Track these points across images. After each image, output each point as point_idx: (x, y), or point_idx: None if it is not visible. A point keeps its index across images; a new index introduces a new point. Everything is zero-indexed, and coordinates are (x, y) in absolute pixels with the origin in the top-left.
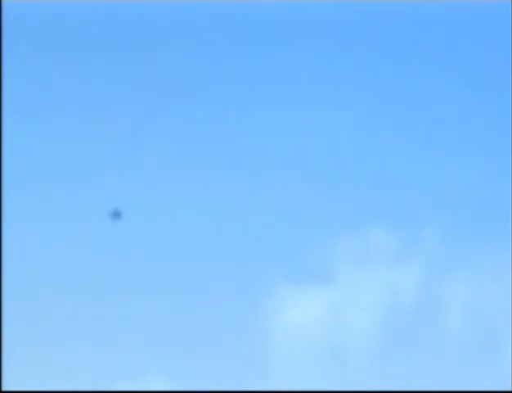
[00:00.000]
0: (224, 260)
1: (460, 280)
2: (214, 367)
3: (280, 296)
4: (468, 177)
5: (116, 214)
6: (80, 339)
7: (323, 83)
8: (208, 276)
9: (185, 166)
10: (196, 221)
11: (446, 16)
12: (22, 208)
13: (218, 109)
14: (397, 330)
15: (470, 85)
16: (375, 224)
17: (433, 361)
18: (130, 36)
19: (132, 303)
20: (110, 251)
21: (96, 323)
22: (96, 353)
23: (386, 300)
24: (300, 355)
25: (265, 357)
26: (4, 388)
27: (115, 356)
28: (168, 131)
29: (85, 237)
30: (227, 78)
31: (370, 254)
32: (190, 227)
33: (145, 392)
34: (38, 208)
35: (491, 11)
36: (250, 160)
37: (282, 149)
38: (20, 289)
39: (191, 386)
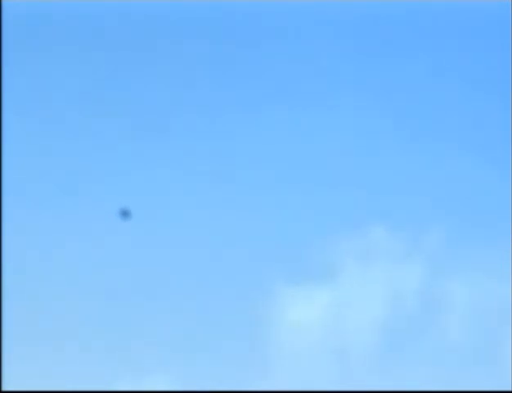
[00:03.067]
0: (225, 260)
1: (461, 280)
2: (215, 367)
3: (281, 296)
4: (469, 177)
5: (125, 214)
6: (80, 339)
7: (324, 83)
8: (209, 276)
9: (185, 166)
10: (197, 221)
11: (447, 16)
12: (23, 207)
13: (219, 109)
14: (398, 330)
15: (471, 85)
16: (377, 224)
17: (434, 361)
18: (131, 35)
19: (133, 303)
20: (110, 251)
21: (96, 323)
22: (97, 353)
23: (387, 300)
24: (301, 355)
25: (266, 357)
26: (4, 388)
27: (116, 356)
28: (171, 131)
29: (85, 237)
30: (227, 78)
31: (372, 253)
32: (190, 227)
33: (145, 392)
34: (39, 207)
35: (491, 11)
36: (250, 160)
37: (283, 149)
38: (20, 289)
39: (192, 386)
